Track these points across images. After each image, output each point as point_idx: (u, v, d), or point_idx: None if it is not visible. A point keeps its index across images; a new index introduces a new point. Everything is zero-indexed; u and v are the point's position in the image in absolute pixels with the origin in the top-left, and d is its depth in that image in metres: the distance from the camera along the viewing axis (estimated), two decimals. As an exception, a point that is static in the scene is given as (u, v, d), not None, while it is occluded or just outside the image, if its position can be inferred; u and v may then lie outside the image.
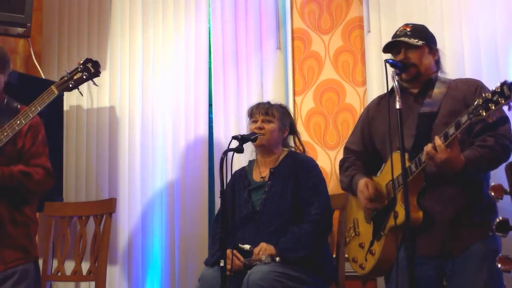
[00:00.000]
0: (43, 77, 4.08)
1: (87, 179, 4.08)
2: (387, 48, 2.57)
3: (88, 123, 4.15)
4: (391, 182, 2.44)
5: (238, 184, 3.01)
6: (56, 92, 2.53)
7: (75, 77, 2.56)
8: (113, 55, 4.15)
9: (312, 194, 2.84)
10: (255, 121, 2.98)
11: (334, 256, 3.03)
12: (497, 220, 1.73)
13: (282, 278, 2.63)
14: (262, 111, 2.98)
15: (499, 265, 1.70)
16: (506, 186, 1.74)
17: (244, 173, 3.05)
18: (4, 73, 2.59)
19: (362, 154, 2.72)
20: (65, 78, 2.56)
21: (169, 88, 3.99)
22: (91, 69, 2.58)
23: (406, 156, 2.28)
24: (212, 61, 3.96)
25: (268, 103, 3.07)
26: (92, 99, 4.16)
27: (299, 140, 3.11)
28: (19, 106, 2.62)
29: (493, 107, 2.02)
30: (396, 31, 2.57)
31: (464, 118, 2.15)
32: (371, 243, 2.54)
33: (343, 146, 2.84)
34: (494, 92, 2.02)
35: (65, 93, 3.87)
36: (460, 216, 2.35)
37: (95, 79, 2.61)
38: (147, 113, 4.01)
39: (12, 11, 3.68)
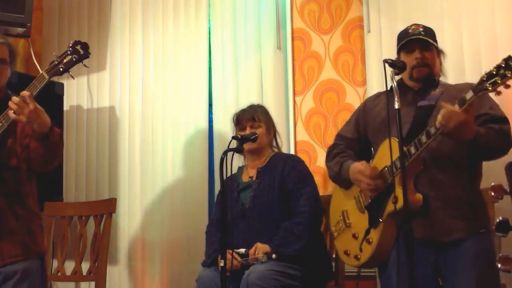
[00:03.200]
0: (43, 77, 4.08)
1: (87, 179, 4.08)
2: (403, 46, 2.52)
3: (88, 123, 4.15)
4: (386, 168, 2.42)
5: (228, 189, 3.03)
6: (47, 77, 2.47)
7: (64, 60, 2.50)
8: (113, 55, 4.15)
9: (299, 187, 2.89)
10: (243, 128, 3.00)
11: (333, 256, 3.03)
12: (497, 220, 1.73)
13: (280, 277, 2.66)
14: (248, 117, 3.02)
15: (499, 265, 1.71)
16: (506, 186, 1.75)
17: (233, 178, 3.07)
18: (11, 66, 2.57)
19: (354, 142, 2.71)
20: (55, 62, 2.50)
21: (169, 88, 3.99)
22: (80, 51, 2.52)
23: (396, 142, 2.25)
24: (212, 61, 3.96)
25: (252, 107, 3.10)
26: (92, 99, 4.16)
27: (275, 140, 3.15)
28: None
29: (499, 81, 2.01)
30: (408, 29, 2.55)
31: (469, 94, 2.13)
32: (367, 232, 2.49)
33: (336, 134, 2.82)
34: (498, 67, 2.01)
35: (65, 93, 3.99)
36: (453, 204, 2.34)
37: (85, 61, 2.55)
38: (147, 113, 4.00)
39: (12, 11, 3.68)
